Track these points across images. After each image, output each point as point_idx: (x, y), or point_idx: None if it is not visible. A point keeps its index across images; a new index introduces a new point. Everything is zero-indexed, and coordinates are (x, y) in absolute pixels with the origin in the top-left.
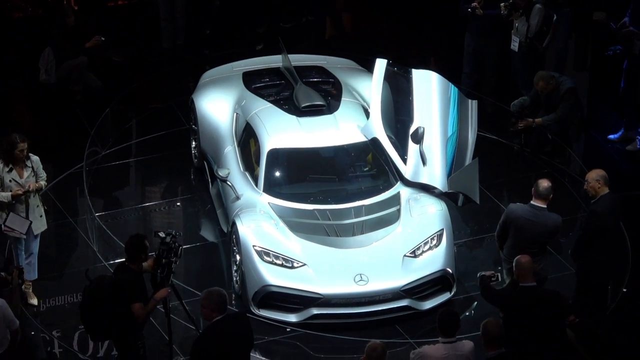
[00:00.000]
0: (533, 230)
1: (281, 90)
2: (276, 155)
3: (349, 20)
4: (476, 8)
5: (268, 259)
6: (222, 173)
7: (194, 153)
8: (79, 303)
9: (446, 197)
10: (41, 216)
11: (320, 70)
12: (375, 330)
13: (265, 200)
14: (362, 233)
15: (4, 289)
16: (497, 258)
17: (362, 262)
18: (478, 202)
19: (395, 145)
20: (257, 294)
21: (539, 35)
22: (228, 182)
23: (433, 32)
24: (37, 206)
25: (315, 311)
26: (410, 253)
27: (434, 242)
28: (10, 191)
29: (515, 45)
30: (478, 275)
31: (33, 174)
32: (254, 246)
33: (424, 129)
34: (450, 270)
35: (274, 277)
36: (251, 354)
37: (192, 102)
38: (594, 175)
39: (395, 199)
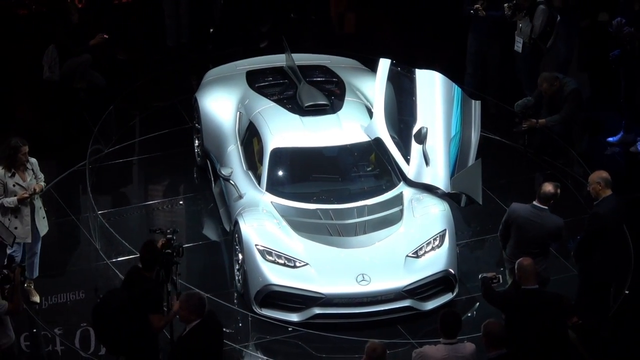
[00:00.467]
0: (532, 230)
1: (284, 90)
2: (279, 155)
3: (353, 20)
4: (479, 9)
5: (270, 258)
6: (225, 172)
7: (197, 151)
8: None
9: (449, 197)
10: (44, 218)
11: (324, 70)
12: (377, 331)
13: (268, 199)
14: (364, 233)
15: (6, 287)
16: (499, 259)
17: (365, 262)
18: (481, 202)
19: (398, 145)
20: (259, 293)
21: (543, 35)
22: (231, 181)
23: (436, 32)
24: (40, 208)
25: (317, 311)
26: (412, 253)
27: (437, 242)
28: (14, 195)
29: (519, 46)
30: (480, 276)
31: (34, 175)
32: (256, 245)
33: (427, 129)
34: (452, 271)
35: (276, 276)
36: (253, 353)
37: (196, 100)
38: (596, 177)
39: (398, 199)
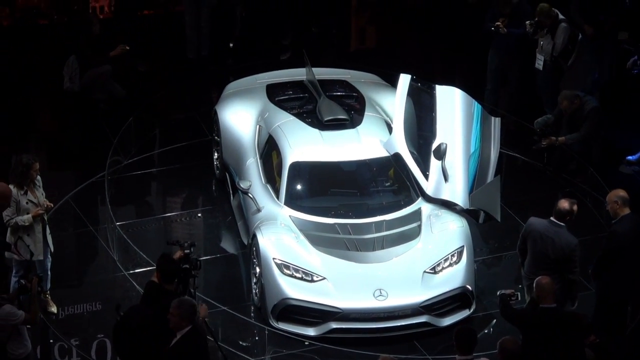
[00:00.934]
0: (546, 245)
1: (304, 104)
2: (298, 169)
3: (373, 35)
4: (500, 26)
5: (288, 272)
6: (243, 185)
7: (216, 164)
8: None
9: (467, 214)
10: (49, 234)
11: (344, 84)
12: (394, 346)
13: (287, 213)
14: (382, 248)
15: (23, 296)
16: (517, 276)
17: (382, 277)
18: (499, 219)
19: (417, 160)
20: (276, 306)
21: (564, 53)
22: (249, 194)
23: (457, 48)
24: (47, 224)
25: (334, 325)
26: (430, 269)
27: (454, 258)
28: (27, 213)
29: (539, 63)
30: (498, 293)
31: (42, 192)
32: (274, 259)
33: (446, 145)
34: (469, 288)
35: (293, 290)
36: None
37: (215, 113)
38: (613, 196)
39: (416, 215)
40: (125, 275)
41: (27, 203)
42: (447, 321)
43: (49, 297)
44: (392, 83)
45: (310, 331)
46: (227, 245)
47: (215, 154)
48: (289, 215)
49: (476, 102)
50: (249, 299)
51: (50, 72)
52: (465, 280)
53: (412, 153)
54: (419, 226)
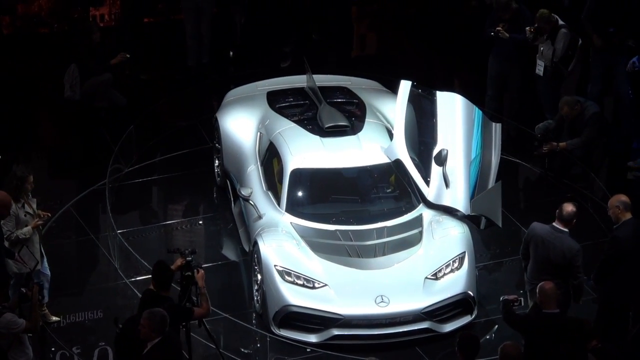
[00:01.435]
0: (548, 251)
1: (305, 110)
2: (299, 175)
3: (374, 41)
4: (500, 32)
5: (289, 278)
6: (244, 192)
7: (217, 172)
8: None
9: (468, 219)
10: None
11: (345, 91)
12: (396, 352)
13: (288, 220)
14: (383, 254)
15: (24, 305)
16: (519, 281)
17: (384, 284)
18: (500, 225)
19: (418, 167)
20: (278, 313)
21: (565, 59)
22: (250, 202)
23: (457, 54)
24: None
25: (336, 332)
26: (431, 275)
27: (456, 264)
28: (26, 225)
29: (540, 69)
30: (501, 299)
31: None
32: (275, 266)
33: (447, 151)
34: (471, 293)
35: (294, 297)
36: None
37: (216, 120)
38: (615, 201)
39: (418, 221)
40: (126, 283)
41: (25, 215)
42: (449, 327)
43: (46, 310)
44: (393, 89)
45: (312, 338)
46: (229, 252)
47: (216, 161)
48: (290, 222)
49: (477, 108)
50: (250, 306)
51: (51, 81)
52: (466, 286)
53: (413, 159)
54: (421, 232)
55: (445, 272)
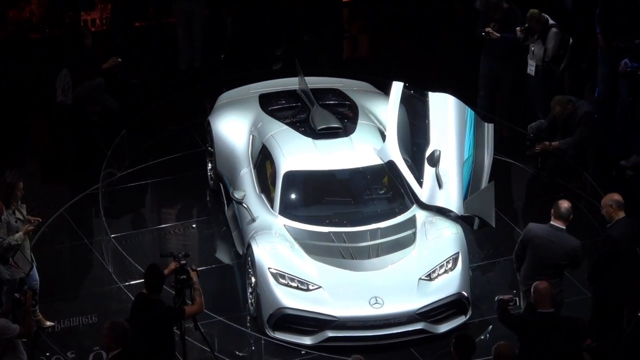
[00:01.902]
0: (549, 251)
1: (297, 113)
2: (292, 178)
3: (366, 43)
4: (490, 32)
5: (283, 281)
6: (237, 195)
7: (210, 175)
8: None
9: (462, 220)
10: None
11: (337, 93)
12: (390, 353)
13: (281, 222)
14: (377, 256)
15: (17, 310)
16: (512, 282)
17: (378, 285)
18: (494, 225)
19: (411, 168)
20: (272, 316)
21: (556, 58)
22: (244, 204)
23: (449, 55)
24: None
25: (330, 334)
26: (425, 276)
27: (450, 265)
28: (17, 231)
29: (531, 69)
30: (496, 299)
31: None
32: (269, 268)
33: (440, 152)
34: (465, 294)
35: (289, 299)
36: None
37: (209, 124)
38: (608, 200)
39: (411, 222)
40: (120, 287)
41: (16, 222)
42: (444, 328)
43: (40, 315)
44: (385, 91)
45: (307, 340)
46: (222, 255)
47: (209, 165)
48: (284, 225)
49: (469, 109)
50: (244, 309)
51: (42, 86)
52: (460, 286)
53: (405, 160)
54: (414, 233)
55: (439, 272)
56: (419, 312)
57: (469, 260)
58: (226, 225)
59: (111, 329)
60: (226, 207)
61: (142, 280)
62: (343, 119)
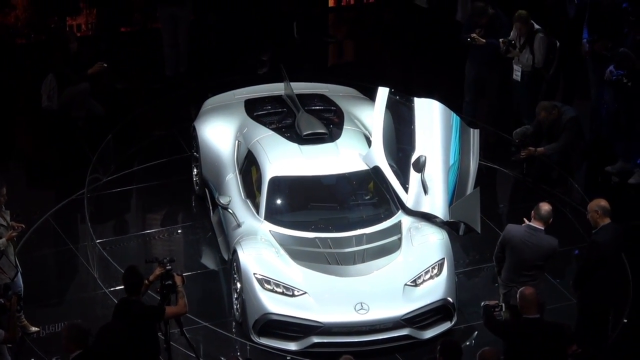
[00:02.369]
0: (527, 251)
1: (283, 118)
2: (278, 183)
3: (351, 48)
4: (475, 38)
5: (269, 287)
6: (223, 200)
7: (196, 180)
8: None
9: (447, 226)
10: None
11: (323, 98)
12: (376, 359)
13: (267, 228)
14: (363, 262)
15: (2, 316)
16: (498, 287)
17: (363, 291)
18: (479, 231)
19: (396, 173)
20: (258, 322)
21: (545, 63)
22: (229, 210)
23: (434, 60)
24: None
25: (316, 339)
26: (411, 282)
27: (435, 271)
28: (1, 237)
29: (517, 74)
30: (482, 304)
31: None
32: (254, 274)
33: (425, 157)
34: (451, 300)
35: (274, 305)
36: None
37: (194, 129)
38: (594, 206)
39: (397, 228)
40: (106, 292)
41: None
42: (429, 334)
43: (26, 321)
44: (371, 96)
45: (292, 346)
46: (208, 261)
47: (195, 170)
48: (269, 230)
49: (455, 114)
50: (230, 314)
51: (28, 91)
52: (446, 292)
53: (391, 166)
54: (400, 239)
55: (425, 278)
56: (404, 318)
57: (454, 266)
58: (212, 231)
59: (67, 330)
60: (212, 213)
61: None
62: (329, 124)
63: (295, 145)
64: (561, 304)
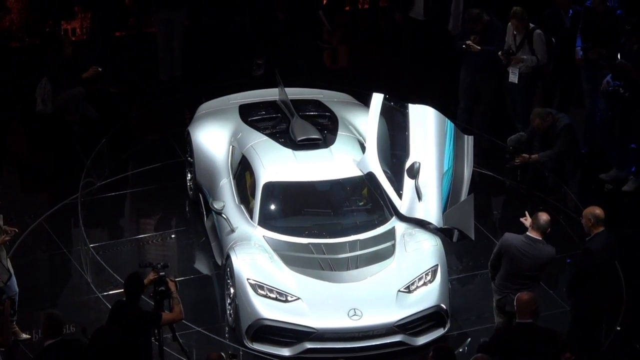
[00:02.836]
0: (524, 262)
1: (277, 124)
2: (271, 189)
3: (346, 54)
4: (470, 45)
5: (262, 292)
6: (217, 206)
7: (190, 185)
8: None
9: (441, 232)
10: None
11: (317, 104)
12: None
13: (260, 233)
14: (356, 268)
15: None
16: (492, 294)
17: (356, 297)
18: (473, 238)
19: (390, 179)
20: (251, 327)
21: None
22: (223, 215)
23: (429, 67)
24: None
25: (309, 345)
26: (404, 288)
27: (429, 277)
28: None
29: (514, 77)
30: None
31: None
32: (248, 279)
33: (419, 164)
34: (444, 306)
35: (267, 310)
36: None
37: (188, 134)
38: (587, 214)
39: (390, 234)
40: (99, 297)
41: None
42: (422, 340)
43: (17, 327)
44: (365, 102)
45: (285, 351)
46: (201, 266)
47: (189, 175)
48: (263, 236)
49: (449, 121)
50: (223, 319)
51: (22, 95)
52: (439, 299)
53: (385, 172)
54: (393, 245)
55: (418, 285)
56: (397, 324)
57: (447, 273)
58: (205, 236)
59: (47, 318)
60: (205, 218)
61: (121, 290)
62: (323, 130)
63: (289, 150)
64: (554, 311)
